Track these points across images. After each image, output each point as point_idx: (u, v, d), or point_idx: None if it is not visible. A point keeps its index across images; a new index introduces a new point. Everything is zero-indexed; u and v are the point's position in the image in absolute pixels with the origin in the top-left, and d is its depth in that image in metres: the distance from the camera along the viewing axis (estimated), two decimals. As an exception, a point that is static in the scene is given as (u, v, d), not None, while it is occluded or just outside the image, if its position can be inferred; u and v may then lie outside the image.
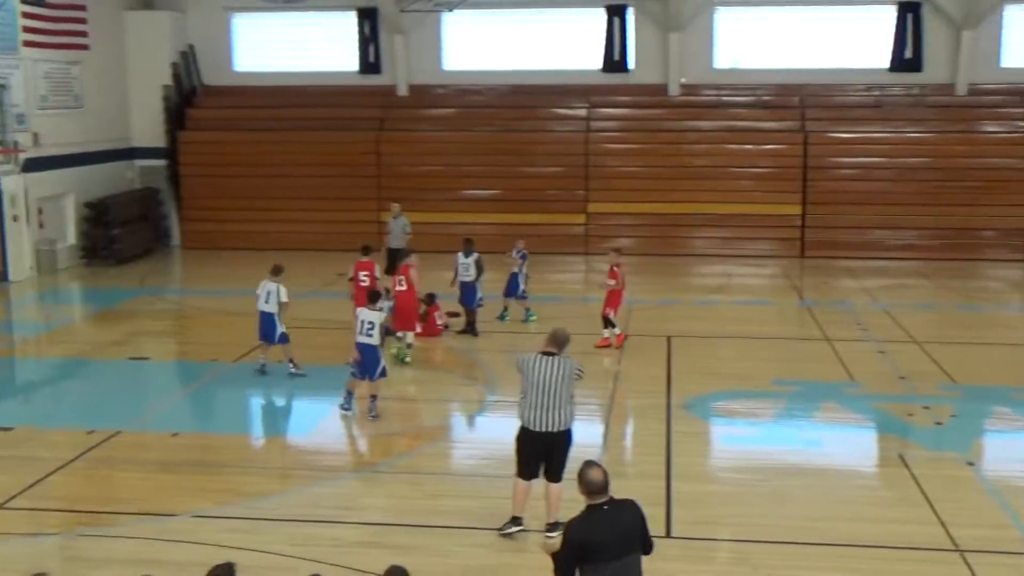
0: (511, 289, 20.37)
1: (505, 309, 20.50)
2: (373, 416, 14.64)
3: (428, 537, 10.73)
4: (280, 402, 16.58)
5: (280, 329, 16.76)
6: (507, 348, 18.68)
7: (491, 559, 10.31)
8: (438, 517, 11.22)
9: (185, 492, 11.99)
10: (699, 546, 10.61)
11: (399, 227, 23.61)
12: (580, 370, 10.60)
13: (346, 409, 14.81)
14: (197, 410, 16.14)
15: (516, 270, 20.32)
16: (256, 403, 16.68)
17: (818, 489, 12.11)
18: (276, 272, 16.95)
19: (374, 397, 14.74)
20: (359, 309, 14.90)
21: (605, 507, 7.20)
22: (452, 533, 10.85)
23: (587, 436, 14.48)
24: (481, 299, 19.74)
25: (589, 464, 7.38)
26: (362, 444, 14.52)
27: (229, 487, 12.19)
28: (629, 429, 14.99)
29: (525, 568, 10.14)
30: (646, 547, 7.38)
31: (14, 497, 11.78)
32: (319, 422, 15.21)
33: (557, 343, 10.52)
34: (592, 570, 7.16)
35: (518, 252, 20.47)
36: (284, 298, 16.69)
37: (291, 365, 16.86)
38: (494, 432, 14.82)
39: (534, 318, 20.33)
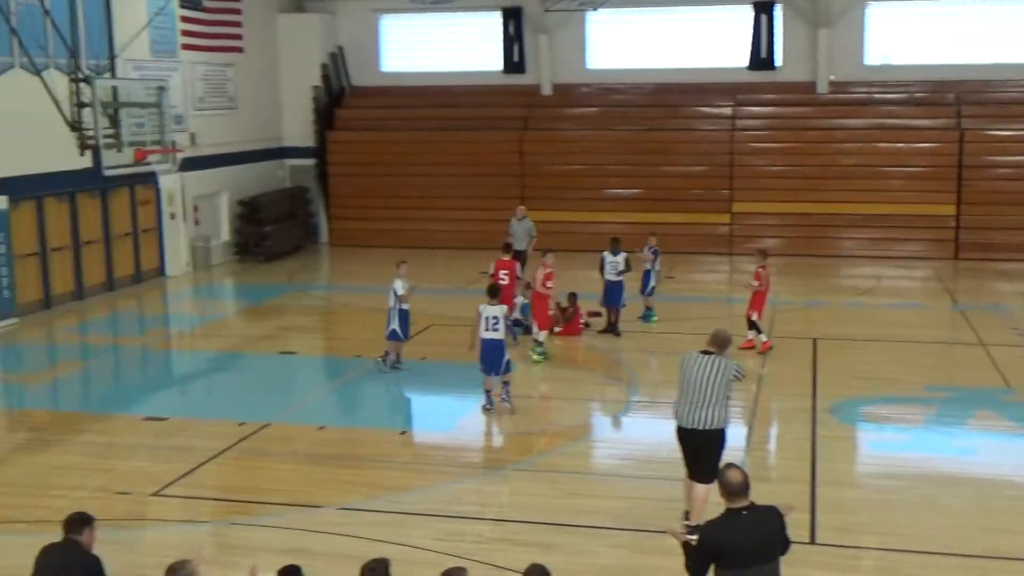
0: (646, 286, 20.24)
1: (647, 308, 20.38)
2: (508, 407, 14.86)
3: (567, 536, 10.72)
4: (422, 398, 16.81)
5: (392, 326, 16.87)
6: (650, 349, 18.62)
7: (630, 560, 10.26)
8: (577, 516, 11.21)
9: (331, 485, 12.24)
10: (844, 553, 10.38)
11: (523, 230, 23.21)
12: (740, 372, 10.65)
13: (488, 408, 14.95)
14: (342, 404, 16.48)
15: (648, 267, 20.18)
16: (398, 399, 16.91)
17: (970, 499, 11.72)
18: (397, 266, 17.14)
19: (506, 384, 14.99)
20: (482, 306, 14.89)
21: (744, 512, 7.11)
22: (591, 533, 10.83)
23: (730, 439, 14.31)
24: (624, 299, 19.66)
25: (729, 466, 7.33)
26: (502, 441, 14.61)
27: (373, 481, 12.40)
28: (773, 432, 14.75)
29: (664, 571, 10.03)
30: (784, 548, 7.28)
31: (169, 485, 12.20)
32: (460, 419, 15.35)
33: (718, 343, 10.53)
34: (727, 574, 7.12)
35: (650, 249, 20.30)
36: (400, 291, 16.80)
37: (382, 357, 17.11)
38: (635, 432, 14.79)
39: (655, 319, 20.14)
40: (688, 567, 7.29)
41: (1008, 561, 10.16)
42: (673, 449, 13.07)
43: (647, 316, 20.27)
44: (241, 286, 26.40)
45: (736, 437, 14.09)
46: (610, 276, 19.41)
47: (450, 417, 15.61)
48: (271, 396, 16.35)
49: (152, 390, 17.46)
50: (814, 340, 18.64)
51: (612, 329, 19.45)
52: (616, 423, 15.15)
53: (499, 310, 14.86)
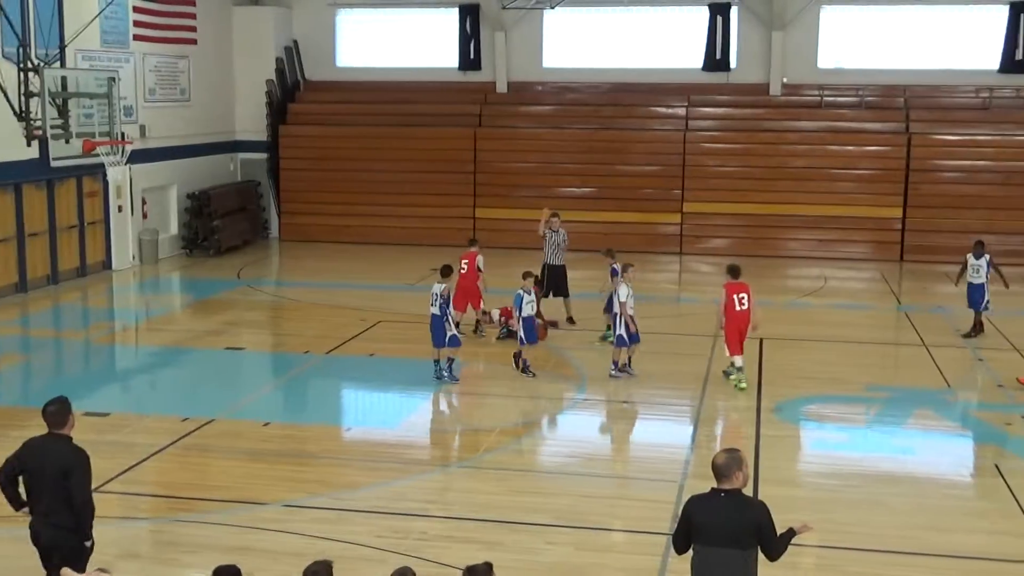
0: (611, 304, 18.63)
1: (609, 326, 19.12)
2: (437, 377, 16.11)
3: (513, 534, 10.74)
4: (369, 395, 16.78)
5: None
6: (600, 347, 18.62)
7: (575, 558, 10.29)
8: (523, 514, 11.22)
9: (275, 481, 12.18)
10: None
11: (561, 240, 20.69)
12: None
13: (437, 377, 16.27)
14: (289, 401, 16.37)
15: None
16: (346, 395, 16.89)
17: (910, 497, 11.88)
18: (624, 271, 16.81)
19: (437, 361, 16.21)
20: (435, 285, 16.23)
21: (723, 494, 7.24)
22: (536, 530, 10.83)
23: (676, 437, 14.47)
24: (987, 302, 19.33)
25: (724, 449, 7.44)
26: (449, 439, 14.64)
27: (318, 478, 12.36)
28: (718, 431, 14.83)
29: (609, 568, 10.12)
30: (768, 548, 7.31)
31: (109, 481, 12.03)
32: (407, 416, 15.36)
33: None
34: (695, 551, 7.31)
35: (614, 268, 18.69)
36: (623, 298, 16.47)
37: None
38: (581, 430, 14.88)
39: (611, 338, 18.62)
40: (674, 538, 7.58)
41: (948, 559, 10.32)
42: (618, 446, 13.11)
43: (608, 336, 18.73)
44: (189, 280, 26.15)
45: (682, 436, 14.31)
46: (973, 279, 19.33)
47: (397, 414, 15.61)
48: (216, 392, 16.22)
49: (94, 385, 17.21)
50: (760, 340, 18.75)
51: (975, 331, 19.38)
52: (563, 421, 15.18)
53: (438, 287, 16.14)
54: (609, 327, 18.96)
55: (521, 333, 16.72)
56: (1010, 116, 29.14)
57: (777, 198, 29.01)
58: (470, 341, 18.24)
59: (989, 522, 11.27)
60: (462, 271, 19.05)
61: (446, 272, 16.55)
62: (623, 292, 16.45)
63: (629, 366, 16.68)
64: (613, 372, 16.60)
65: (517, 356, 16.87)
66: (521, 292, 16.71)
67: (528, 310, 16.72)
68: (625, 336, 16.45)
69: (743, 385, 15.96)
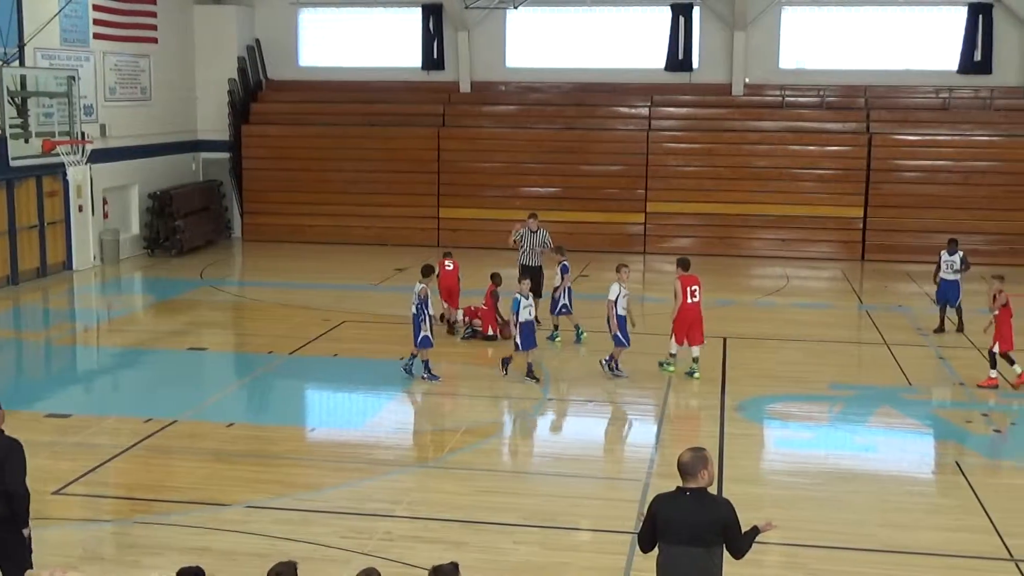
0: (555, 304, 18.87)
1: (555, 327, 19.15)
2: (404, 368, 16.36)
3: (479, 533, 10.73)
4: (334, 395, 16.71)
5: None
6: (565, 347, 18.66)
7: (541, 557, 10.30)
8: (489, 513, 11.22)
9: (238, 482, 12.11)
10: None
11: (538, 242, 20.50)
12: None
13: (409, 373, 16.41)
14: (252, 401, 16.28)
15: (559, 285, 18.82)
16: (310, 396, 16.80)
17: (872, 495, 11.97)
18: (618, 270, 16.72)
19: (424, 361, 16.30)
20: (416, 284, 16.28)
21: (688, 492, 7.26)
22: (502, 530, 10.83)
23: (640, 436, 14.53)
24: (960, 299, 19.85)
25: (689, 448, 7.44)
26: (415, 439, 14.59)
27: (282, 479, 12.29)
28: (682, 430, 14.87)
29: (574, 567, 10.13)
30: (733, 547, 7.35)
31: (71, 483, 11.95)
32: (373, 416, 15.32)
33: None
34: (660, 549, 7.32)
35: (561, 265, 19.00)
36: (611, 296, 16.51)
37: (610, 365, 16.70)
38: (547, 430, 14.90)
39: (559, 340, 18.87)
40: (639, 535, 7.55)
41: (910, 555, 10.40)
42: (584, 446, 13.16)
43: (554, 336, 19.01)
44: (151, 281, 25.95)
45: (647, 434, 14.37)
46: (946, 275, 19.77)
47: (361, 414, 15.57)
48: (179, 393, 16.08)
49: (55, 386, 17.05)
50: (724, 339, 18.85)
51: (959, 328, 19.66)
52: (528, 421, 15.18)
53: (417, 287, 16.17)
54: (556, 327, 19.11)
55: (518, 338, 16.33)
56: (969, 116, 29.44)
57: (740, 198, 29.18)
58: (438, 341, 18.19)
59: (950, 518, 11.38)
60: (447, 268, 19.22)
61: (426, 272, 16.60)
62: (614, 291, 16.47)
63: (617, 367, 16.64)
64: (614, 370, 16.60)
65: (506, 361, 16.69)
66: (518, 296, 16.42)
67: (526, 315, 16.34)
68: (621, 335, 16.48)
69: (688, 372, 16.57)
